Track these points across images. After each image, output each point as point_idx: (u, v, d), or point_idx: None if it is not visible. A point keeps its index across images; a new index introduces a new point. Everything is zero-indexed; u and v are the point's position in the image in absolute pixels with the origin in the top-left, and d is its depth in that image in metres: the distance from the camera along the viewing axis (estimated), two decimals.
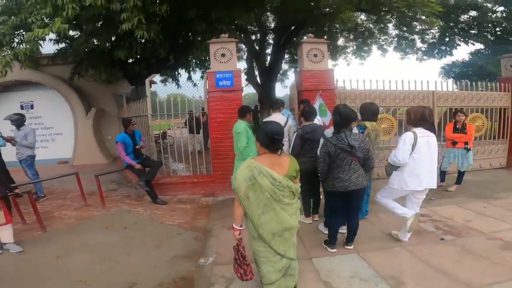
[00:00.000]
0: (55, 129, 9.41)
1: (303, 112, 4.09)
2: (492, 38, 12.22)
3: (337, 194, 3.04)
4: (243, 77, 12.90)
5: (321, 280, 2.69)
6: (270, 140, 2.11)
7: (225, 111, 5.37)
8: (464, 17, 12.03)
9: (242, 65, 14.40)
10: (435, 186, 3.22)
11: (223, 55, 5.41)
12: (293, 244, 2.31)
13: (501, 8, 11.55)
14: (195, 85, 7.70)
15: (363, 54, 14.62)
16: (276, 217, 2.12)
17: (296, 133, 4.02)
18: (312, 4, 8.89)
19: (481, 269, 2.70)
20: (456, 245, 3.23)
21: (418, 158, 3.04)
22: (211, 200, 5.29)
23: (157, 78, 9.54)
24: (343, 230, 3.35)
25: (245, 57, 14.03)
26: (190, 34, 8.13)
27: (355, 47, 14.53)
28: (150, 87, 6.10)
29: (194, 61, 11.00)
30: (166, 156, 6.50)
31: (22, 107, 9.14)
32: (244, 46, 13.63)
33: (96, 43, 6.54)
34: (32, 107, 9.26)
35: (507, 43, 10.67)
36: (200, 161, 5.92)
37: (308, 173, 3.71)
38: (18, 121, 5.44)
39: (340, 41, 14.26)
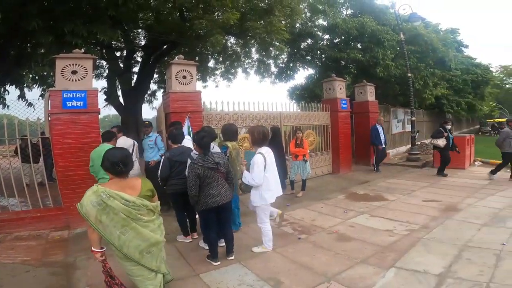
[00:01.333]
0: None
1: (171, 135, 4.08)
2: (319, 64, 14.31)
3: (210, 210, 3.21)
4: (102, 97, 11.45)
5: None
6: (110, 164, 2.19)
7: (76, 136, 4.56)
8: (303, 44, 13.98)
9: (102, 84, 12.79)
10: (281, 193, 3.76)
11: (74, 72, 4.65)
12: (163, 258, 2.48)
13: (327, 36, 13.54)
14: (30, 104, 6.07)
15: (230, 76, 15.52)
16: (138, 235, 2.21)
17: (164, 156, 3.95)
18: (187, 24, 8.97)
19: (330, 260, 3.33)
20: (309, 242, 3.89)
21: (269, 175, 3.48)
22: (67, 234, 4.48)
23: None
24: (222, 243, 3.53)
25: (105, 74, 12.47)
26: (28, 45, 6.55)
27: (223, 69, 15.25)
28: None
29: (30, 76, 8.75)
30: None
31: None
32: (104, 63, 12.14)
33: None
34: None
35: (328, 69, 12.88)
36: (43, 194, 4.87)
37: (180, 194, 3.77)
38: None
39: (211, 63, 14.69)
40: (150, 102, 14.84)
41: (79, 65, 4.68)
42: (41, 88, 9.21)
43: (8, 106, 6.97)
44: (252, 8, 9.90)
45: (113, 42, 9.77)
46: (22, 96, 8.02)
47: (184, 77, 5.67)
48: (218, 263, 3.29)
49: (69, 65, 4.62)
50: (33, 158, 5.85)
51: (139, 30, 11.61)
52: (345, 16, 12.85)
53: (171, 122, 5.08)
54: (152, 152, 5.25)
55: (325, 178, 8.15)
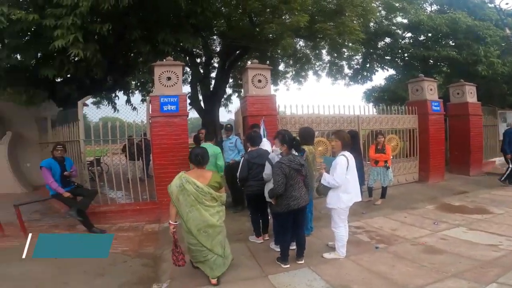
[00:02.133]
0: None
1: (249, 137, 4.32)
2: (401, 64, 13.19)
3: (289, 213, 3.29)
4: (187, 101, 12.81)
5: None
6: (194, 157, 3.07)
7: (170, 137, 5.29)
8: (381, 44, 12.99)
9: (186, 89, 14.30)
10: (360, 199, 3.69)
11: (168, 78, 5.38)
12: (220, 242, 3.05)
13: (409, 34, 12.43)
14: (134, 108, 7.33)
15: (300, 79, 15.63)
16: (200, 215, 2.89)
17: (243, 157, 4.19)
18: (257, 29, 9.50)
19: (413, 272, 3.12)
20: (388, 252, 3.69)
21: (349, 178, 3.47)
22: (157, 227, 5.13)
23: (88, 100, 8.99)
24: (292, 246, 3.59)
25: (189, 80, 14.03)
26: (131, 54, 7.91)
27: (294, 72, 15.45)
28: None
29: (134, 83, 10.50)
30: (101, 184, 6.06)
31: None
32: (188, 70, 13.62)
33: (19, 59, 5.86)
34: None
35: (413, 68, 12.09)
36: (142, 189, 5.70)
37: (256, 195, 3.96)
38: None
39: (281, 67, 15.05)
40: (226, 105, 15.91)
41: (172, 71, 5.38)
42: (141, 94, 10.90)
43: (118, 110, 8.58)
44: (320, 9, 9.86)
45: (194, 50, 10.93)
46: (128, 101, 9.73)
47: (260, 81, 5.92)
48: (288, 266, 3.34)
49: (164, 71, 5.35)
50: (135, 156, 7.02)
51: (214, 37, 12.62)
52: (429, 13, 11.85)
53: (251, 125, 5.31)
54: (231, 154, 5.69)
55: (410, 186, 7.51)
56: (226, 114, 17.25)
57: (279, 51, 10.46)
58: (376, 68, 14.35)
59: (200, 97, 13.16)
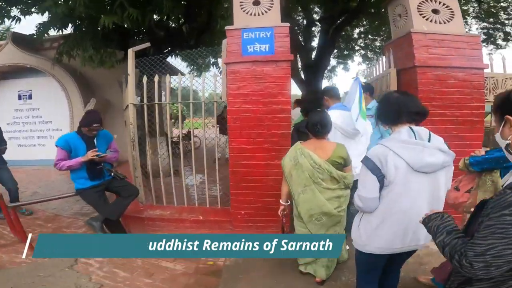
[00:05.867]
0: (54, 124, 7.35)
1: None
2: None
3: None
4: None
5: None
6: (311, 125, 2.07)
7: (258, 99, 2.64)
8: None
9: None
10: None
11: (256, 2, 2.79)
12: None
13: None
14: (221, 72, 5.03)
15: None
16: (314, 198, 2.04)
17: None
18: None
19: None
20: None
21: None
22: (224, 258, 2.59)
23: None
24: None
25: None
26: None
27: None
28: (142, 61, 3.69)
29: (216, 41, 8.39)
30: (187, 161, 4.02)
31: (20, 97, 7.29)
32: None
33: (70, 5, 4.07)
34: (30, 97, 7.33)
35: None
36: (225, 172, 3.30)
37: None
38: None
39: None
40: (329, 78, 13.13)
41: None
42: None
43: (200, 73, 6.43)
44: None
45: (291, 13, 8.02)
46: (215, 64, 7.70)
47: (436, 11, 2.83)
48: None
49: None
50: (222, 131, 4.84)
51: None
52: None
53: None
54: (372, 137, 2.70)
55: None
56: None
57: None
58: None
59: (300, 68, 10.42)
